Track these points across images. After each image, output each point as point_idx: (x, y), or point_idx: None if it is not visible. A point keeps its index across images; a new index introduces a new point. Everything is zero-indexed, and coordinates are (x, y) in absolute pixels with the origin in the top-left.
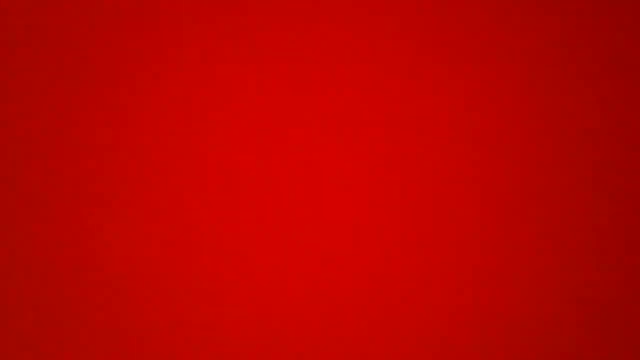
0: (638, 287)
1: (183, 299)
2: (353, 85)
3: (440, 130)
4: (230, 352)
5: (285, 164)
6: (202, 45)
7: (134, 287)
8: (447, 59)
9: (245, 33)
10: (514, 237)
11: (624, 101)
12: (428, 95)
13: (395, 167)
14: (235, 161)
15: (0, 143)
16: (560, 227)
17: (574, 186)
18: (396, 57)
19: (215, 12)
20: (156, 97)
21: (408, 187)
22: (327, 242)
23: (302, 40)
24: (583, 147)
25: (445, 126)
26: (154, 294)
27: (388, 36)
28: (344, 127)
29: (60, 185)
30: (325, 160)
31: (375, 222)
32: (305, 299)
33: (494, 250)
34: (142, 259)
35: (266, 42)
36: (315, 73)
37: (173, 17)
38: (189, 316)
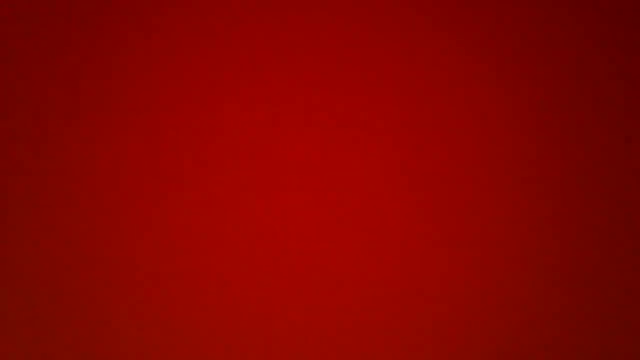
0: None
1: (187, 301)
2: (354, 85)
3: (441, 131)
4: (230, 353)
5: (285, 165)
6: (205, 44)
7: (134, 288)
8: (449, 59)
9: (251, 31)
10: (516, 238)
11: (623, 102)
12: (429, 96)
13: (397, 168)
14: (237, 162)
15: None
16: (560, 229)
17: (574, 186)
18: (398, 58)
19: (218, 12)
20: (158, 97)
21: (409, 187)
22: (328, 243)
23: (304, 43)
24: (583, 147)
25: (446, 127)
26: (153, 295)
27: (390, 37)
28: (346, 128)
29: (58, 185)
30: (326, 161)
31: (376, 223)
32: (307, 299)
33: (495, 251)
34: (143, 259)
35: (269, 42)
36: (316, 73)
37: (174, 16)
38: (189, 318)
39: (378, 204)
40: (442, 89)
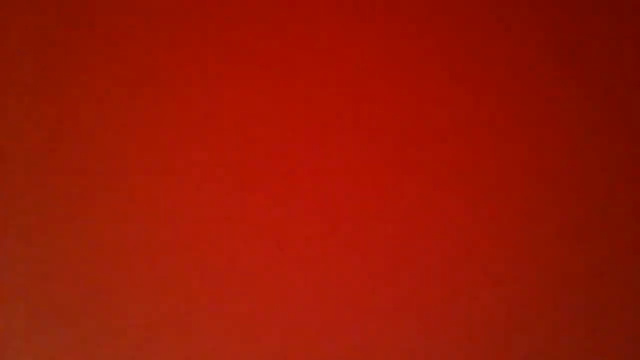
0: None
1: (187, 301)
2: (355, 86)
3: (442, 132)
4: (231, 353)
5: (286, 164)
6: (205, 43)
7: (133, 287)
8: (449, 60)
9: (255, 32)
10: (517, 238)
11: (623, 103)
12: (429, 96)
13: (397, 169)
14: (238, 161)
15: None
16: (562, 231)
17: (575, 188)
18: (399, 58)
19: (219, 12)
20: (160, 94)
21: (409, 188)
22: (329, 243)
23: (306, 42)
24: (584, 149)
25: (447, 128)
26: (154, 293)
27: (390, 38)
28: (346, 128)
29: (57, 186)
30: (327, 161)
31: (377, 223)
32: (308, 301)
33: (496, 253)
34: (142, 260)
35: (270, 42)
36: (316, 72)
37: (174, 17)
38: (188, 318)
39: (378, 204)
40: (445, 89)
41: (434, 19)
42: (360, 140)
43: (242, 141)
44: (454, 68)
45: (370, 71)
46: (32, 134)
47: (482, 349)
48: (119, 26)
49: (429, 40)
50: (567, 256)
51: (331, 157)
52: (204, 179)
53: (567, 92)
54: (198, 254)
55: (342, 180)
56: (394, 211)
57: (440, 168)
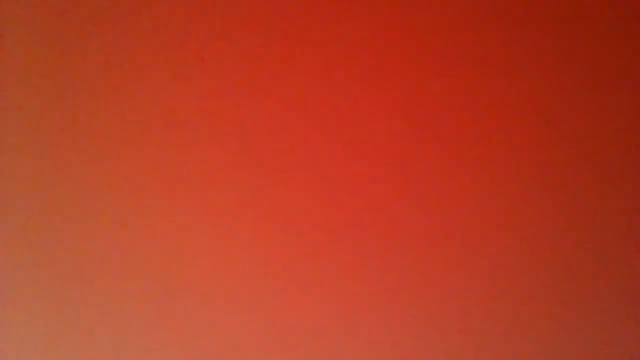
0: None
1: (188, 300)
2: (355, 86)
3: (441, 133)
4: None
5: (287, 164)
6: (206, 43)
7: (135, 286)
8: (449, 61)
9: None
10: (517, 240)
11: (622, 104)
12: (429, 97)
13: (396, 169)
14: (238, 161)
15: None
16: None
17: (576, 188)
18: (398, 59)
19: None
20: (161, 94)
21: (408, 188)
22: (327, 243)
23: (307, 42)
24: (585, 149)
25: (446, 129)
26: (154, 294)
27: (392, 38)
28: (347, 128)
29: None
30: (327, 161)
31: (377, 225)
32: (307, 301)
33: (496, 253)
34: (143, 261)
35: (271, 42)
36: (316, 73)
37: (174, 17)
38: (189, 318)
39: (378, 205)
40: (442, 89)
41: (435, 18)
42: (365, 139)
43: (242, 143)
44: (457, 68)
45: (375, 70)
46: (35, 133)
47: (482, 353)
48: (121, 25)
49: (429, 40)
50: (570, 256)
51: (331, 158)
52: (208, 179)
53: (573, 89)
54: (206, 259)
55: (343, 180)
56: (393, 213)
57: (443, 169)
